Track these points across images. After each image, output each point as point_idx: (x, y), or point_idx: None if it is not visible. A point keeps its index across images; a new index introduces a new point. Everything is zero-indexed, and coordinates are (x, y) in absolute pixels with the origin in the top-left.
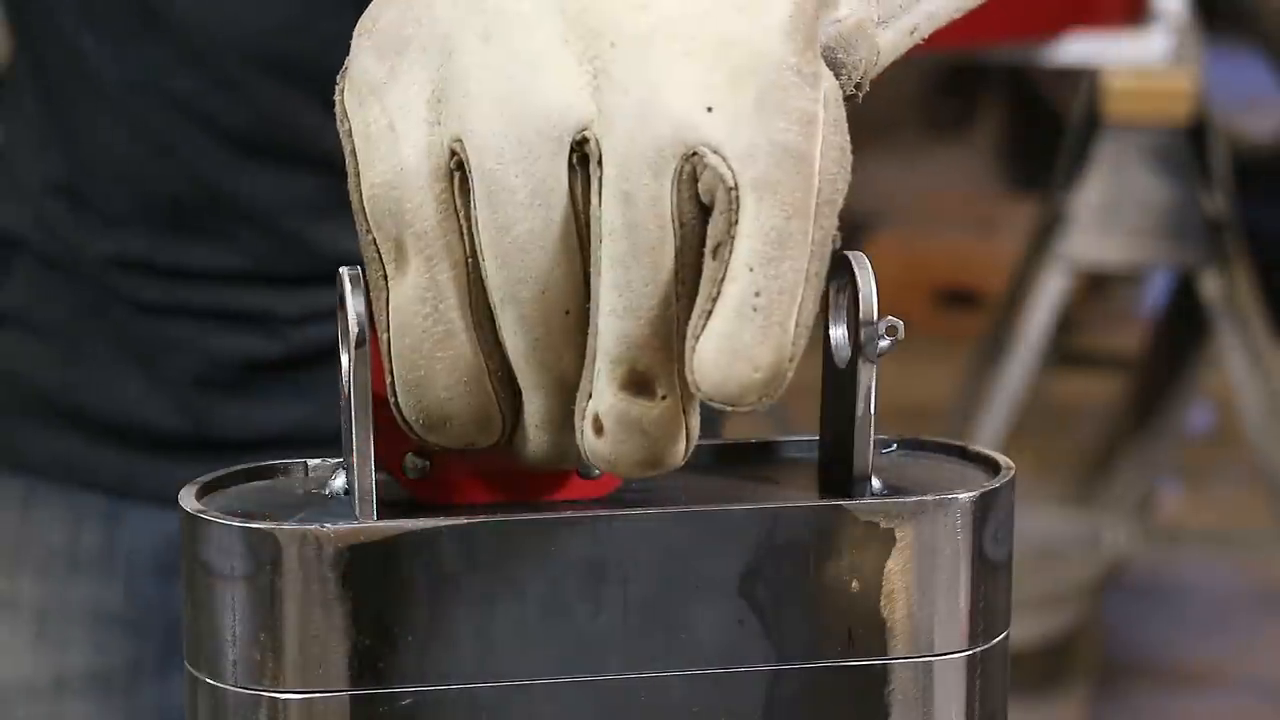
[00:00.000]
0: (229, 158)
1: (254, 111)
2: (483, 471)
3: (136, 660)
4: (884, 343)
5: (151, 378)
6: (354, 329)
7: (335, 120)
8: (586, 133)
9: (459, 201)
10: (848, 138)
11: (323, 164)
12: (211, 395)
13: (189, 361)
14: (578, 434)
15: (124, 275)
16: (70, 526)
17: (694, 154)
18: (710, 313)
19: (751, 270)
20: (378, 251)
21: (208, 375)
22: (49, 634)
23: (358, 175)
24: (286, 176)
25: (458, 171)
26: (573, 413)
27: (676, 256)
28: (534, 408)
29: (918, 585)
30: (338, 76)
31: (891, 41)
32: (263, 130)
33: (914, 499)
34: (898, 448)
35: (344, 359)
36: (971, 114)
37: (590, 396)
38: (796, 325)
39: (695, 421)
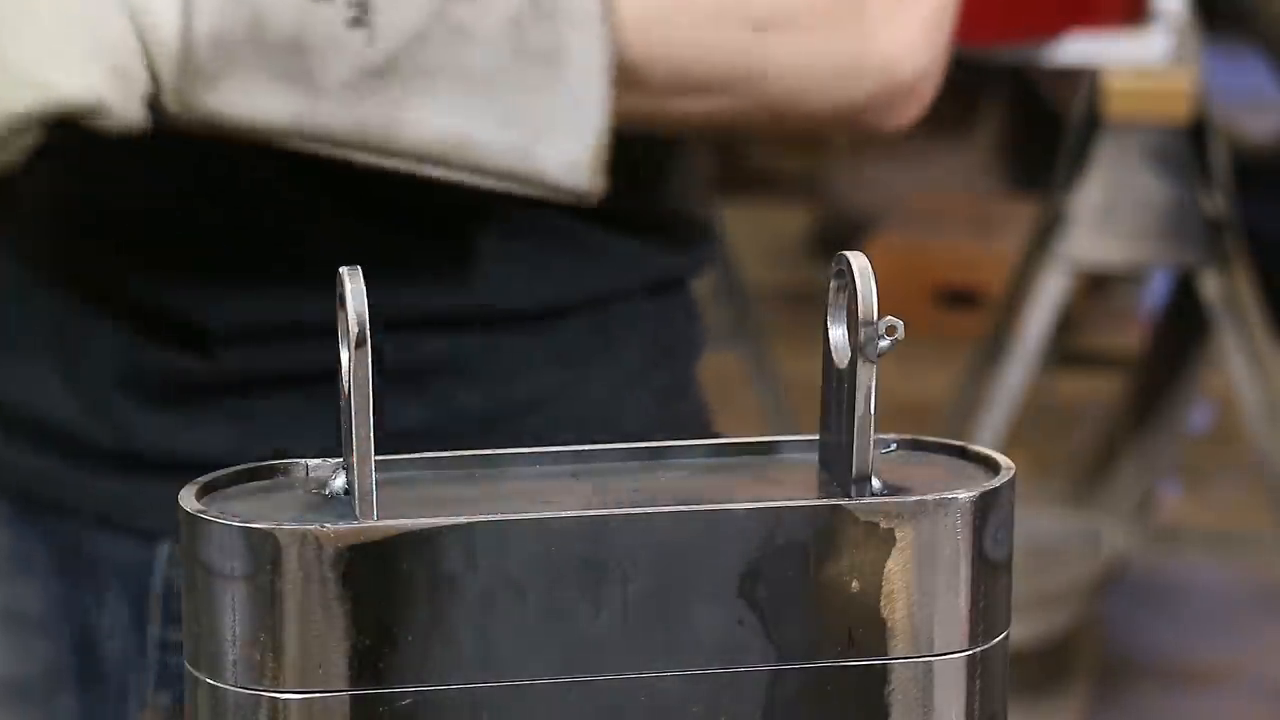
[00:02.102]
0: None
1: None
2: None
3: (54, 668)
4: (884, 343)
5: (72, 376)
6: (354, 329)
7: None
8: None
9: None
10: None
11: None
12: (133, 404)
13: (112, 363)
14: None
15: (52, 221)
16: None
17: None
18: None
19: None
20: None
21: (131, 381)
22: None
23: None
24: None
25: None
26: None
27: None
28: None
29: (918, 585)
30: None
31: None
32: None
33: (914, 499)
34: (898, 448)
35: (344, 358)
36: (971, 114)
37: None
38: None
39: None
